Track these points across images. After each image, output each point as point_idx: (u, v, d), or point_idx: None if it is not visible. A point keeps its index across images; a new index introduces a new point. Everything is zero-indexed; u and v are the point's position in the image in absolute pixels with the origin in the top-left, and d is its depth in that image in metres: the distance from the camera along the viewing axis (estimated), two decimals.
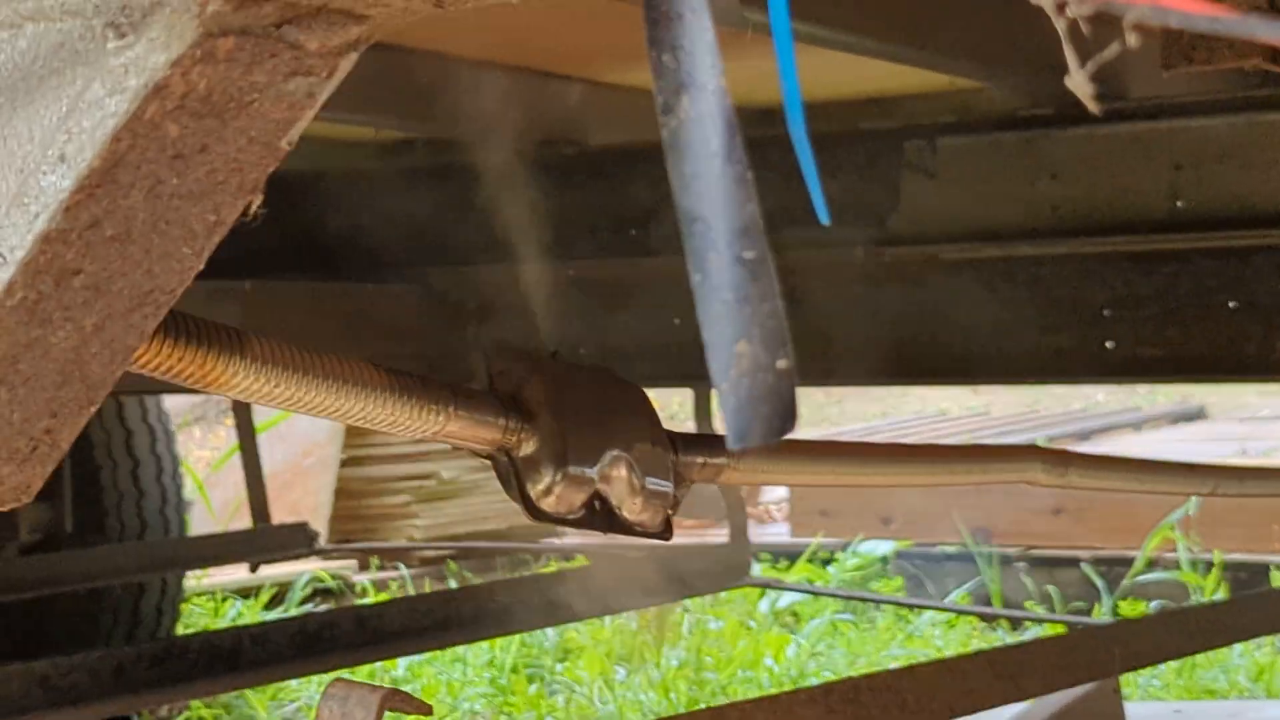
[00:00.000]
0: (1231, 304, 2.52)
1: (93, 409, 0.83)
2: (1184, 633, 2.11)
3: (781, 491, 5.73)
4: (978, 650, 1.92)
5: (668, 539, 1.35)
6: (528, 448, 1.21)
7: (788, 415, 0.66)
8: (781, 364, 0.66)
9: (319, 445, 5.22)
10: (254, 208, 0.79)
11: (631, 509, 1.29)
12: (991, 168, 2.53)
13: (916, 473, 1.65)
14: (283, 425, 5.12)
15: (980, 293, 2.60)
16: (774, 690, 3.55)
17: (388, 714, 1.20)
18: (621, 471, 1.27)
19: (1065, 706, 2.51)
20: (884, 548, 4.77)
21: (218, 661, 2.02)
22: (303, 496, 5.14)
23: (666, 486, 1.33)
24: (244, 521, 4.80)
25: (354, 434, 5.32)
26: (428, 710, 1.20)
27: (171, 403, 3.61)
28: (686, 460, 1.36)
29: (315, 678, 3.96)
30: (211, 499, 5.10)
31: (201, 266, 0.81)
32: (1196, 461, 2.04)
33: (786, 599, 4.29)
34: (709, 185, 0.61)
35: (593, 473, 1.25)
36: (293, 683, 3.91)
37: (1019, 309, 2.61)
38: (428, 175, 2.83)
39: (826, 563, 4.79)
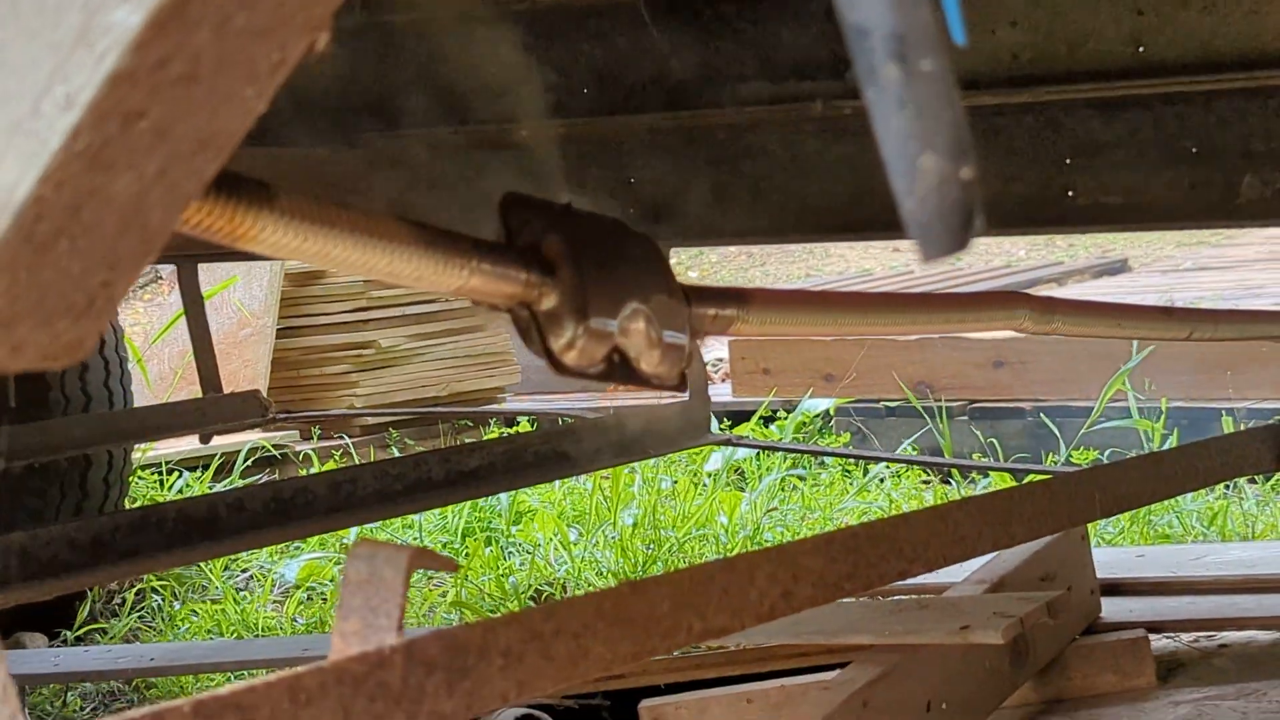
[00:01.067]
0: (1194, 149, 2.52)
1: (148, 262, 0.80)
2: (1160, 477, 2.12)
3: (721, 351, 5.74)
4: (967, 497, 1.93)
5: (683, 391, 1.34)
6: (549, 302, 1.19)
7: (973, 224, 0.66)
8: (966, 173, 0.65)
9: (255, 316, 5.16)
10: (320, 45, 0.75)
11: (650, 362, 1.27)
12: None
13: (913, 321, 1.64)
14: (216, 297, 5.04)
15: None
16: (731, 546, 3.57)
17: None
18: (640, 324, 1.25)
19: (1035, 554, 2.53)
20: (826, 405, 4.79)
21: (195, 529, 1.99)
22: (240, 368, 5.08)
23: (682, 339, 1.31)
24: (183, 395, 4.75)
25: (290, 303, 5.26)
26: (455, 567, 1.19)
27: None
28: (699, 313, 1.35)
29: (265, 549, 3.94)
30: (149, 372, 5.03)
31: (263, 109, 0.77)
32: (1174, 305, 2.05)
33: (737, 457, 4.30)
34: None
35: (613, 326, 1.23)
36: (243, 553, 3.89)
37: (979, 159, 2.60)
38: (369, 34, 2.76)
39: (769, 421, 4.80)
